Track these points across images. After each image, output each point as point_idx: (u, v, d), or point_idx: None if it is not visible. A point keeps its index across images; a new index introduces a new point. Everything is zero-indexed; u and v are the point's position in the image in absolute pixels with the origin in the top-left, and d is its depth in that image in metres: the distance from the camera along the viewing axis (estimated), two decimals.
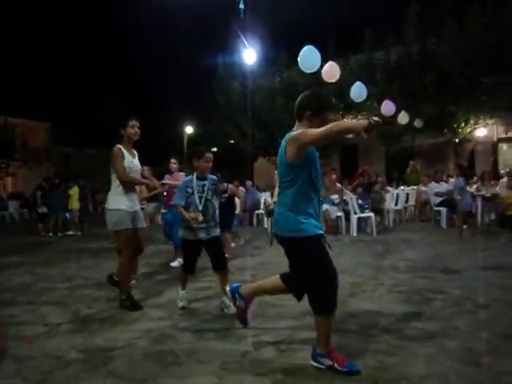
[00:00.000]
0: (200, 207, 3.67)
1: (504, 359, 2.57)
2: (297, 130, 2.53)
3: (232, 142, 15.60)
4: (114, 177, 3.95)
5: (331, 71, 6.37)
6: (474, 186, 10.18)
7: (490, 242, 7.17)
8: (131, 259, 4.04)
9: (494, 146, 14.84)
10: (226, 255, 4.32)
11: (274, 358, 2.67)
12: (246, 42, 7.03)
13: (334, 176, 11.58)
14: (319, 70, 6.65)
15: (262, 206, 10.69)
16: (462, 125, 12.13)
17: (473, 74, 10.94)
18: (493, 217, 9.48)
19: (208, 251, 3.74)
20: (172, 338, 3.07)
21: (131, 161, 3.99)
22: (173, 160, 6.06)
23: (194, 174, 3.80)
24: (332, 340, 2.87)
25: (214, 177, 3.89)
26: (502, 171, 12.72)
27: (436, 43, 11.95)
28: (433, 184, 10.01)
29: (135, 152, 4.17)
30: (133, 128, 3.98)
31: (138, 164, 4.15)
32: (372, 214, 8.89)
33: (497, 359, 2.57)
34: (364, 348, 2.79)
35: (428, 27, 12.20)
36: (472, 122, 12.10)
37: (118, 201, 3.91)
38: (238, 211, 7.55)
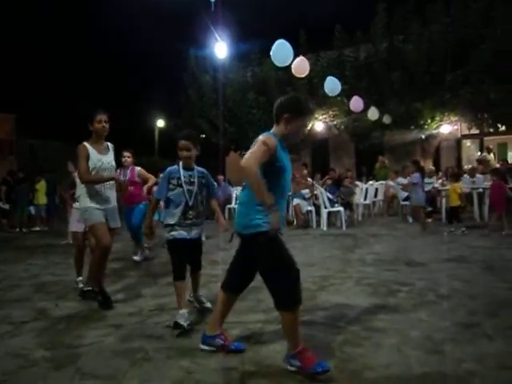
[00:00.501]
0: (190, 202, 3.30)
1: (464, 347, 2.70)
2: (273, 132, 2.58)
3: (203, 136, 15.53)
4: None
5: (301, 66, 6.44)
6: (439, 181, 10.56)
7: (452, 235, 7.45)
8: (102, 258, 3.77)
9: (458, 143, 15.41)
10: None
11: (244, 352, 2.71)
12: (217, 35, 7.00)
13: (305, 171, 11.75)
14: (291, 65, 6.72)
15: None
16: (428, 121, 12.51)
17: (437, 72, 11.30)
18: None
19: (191, 251, 3.39)
20: (141, 335, 3.06)
21: (99, 159, 3.74)
22: (126, 153, 5.63)
23: (180, 164, 3.38)
24: (299, 332, 2.93)
25: (203, 169, 3.51)
26: (465, 167, 13.21)
27: (402, 41, 12.26)
28: (400, 179, 10.29)
29: (109, 147, 3.92)
30: (100, 123, 3.74)
31: (111, 161, 3.88)
32: (342, 209, 9.07)
33: (457, 347, 2.70)
34: (331, 340, 2.86)
35: (395, 25, 12.50)
36: (437, 118, 12.50)
37: (84, 200, 3.75)
38: None
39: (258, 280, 2.65)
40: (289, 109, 2.55)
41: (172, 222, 3.26)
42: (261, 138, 2.47)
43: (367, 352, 2.66)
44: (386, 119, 11.85)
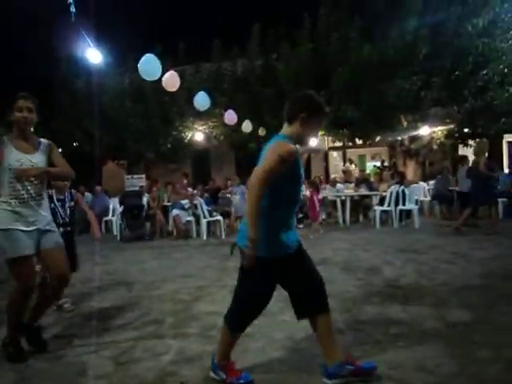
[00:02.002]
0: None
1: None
2: (286, 135, 2.39)
3: (76, 144, 14.56)
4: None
5: (171, 80, 6.50)
6: (308, 191, 11.51)
7: (319, 238, 8.12)
8: (24, 293, 2.88)
9: (325, 154, 16.99)
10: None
11: (112, 372, 2.66)
12: (89, 40, 6.68)
13: (185, 181, 11.81)
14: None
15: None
16: None
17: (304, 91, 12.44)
18: (323, 216, 10.83)
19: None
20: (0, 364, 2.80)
21: (17, 159, 2.88)
22: None
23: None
24: (171, 345, 3.00)
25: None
26: (332, 176, 14.59)
27: (276, 59, 13.16)
28: None
29: (42, 146, 3.06)
30: (20, 112, 2.91)
31: (38, 163, 2.96)
32: (221, 218, 9.30)
33: (312, 344, 3.01)
34: (202, 350, 2.97)
35: (269, 44, 13.37)
36: None
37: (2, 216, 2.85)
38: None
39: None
40: (305, 107, 2.36)
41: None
42: (274, 146, 2.28)
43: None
44: (261, 131, 12.53)
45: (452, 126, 12.39)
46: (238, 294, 2.53)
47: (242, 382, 2.47)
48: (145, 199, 10.23)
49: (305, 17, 12.86)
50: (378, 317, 3.54)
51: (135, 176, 13.52)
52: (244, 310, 2.51)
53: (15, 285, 2.87)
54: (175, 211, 9.37)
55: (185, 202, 9.60)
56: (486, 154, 7.94)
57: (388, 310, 3.68)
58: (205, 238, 8.99)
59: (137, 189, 11.20)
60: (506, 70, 11.09)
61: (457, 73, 11.45)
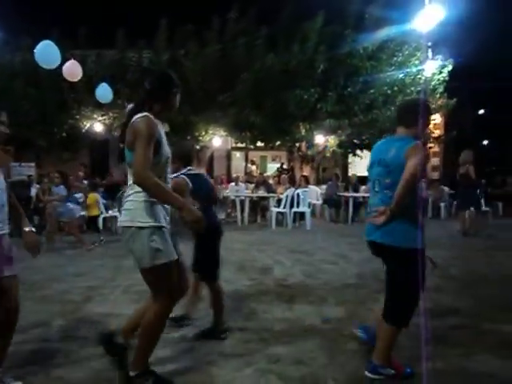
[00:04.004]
0: None
1: (208, 342, 3.20)
2: (410, 136, 2.61)
3: None
4: None
5: (72, 70, 6.18)
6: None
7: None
8: None
9: (228, 154, 17.35)
10: None
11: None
12: None
13: (81, 173, 11.18)
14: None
15: None
16: (203, 133, 13.72)
17: (210, 91, 12.63)
18: (223, 216, 11.10)
19: None
20: None
21: None
22: None
23: None
24: (58, 349, 2.95)
25: None
26: (234, 175, 14.98)
27: (184, 55, 13.08)
28: None
29: None
30: None
31: None
32: (118, 214, 9.03)
33: (204, 343, 3.19)
34: (92, 353, 2.95)
35: (177, 40, 13.25)
36: (210, 132, 13.84)
37: None
38: None
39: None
40: (418, 112, 2.62)
41: None
42: (416, 148, 2.49)
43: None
44: (166, 127, 12.40)
45: (343, 137, 13.55)
46: (396, 291, 2.63)
47: (408, 371, 2.68)
48: (33, 190, 9.49)
49: (214, 18, 13.00)
50: (265, 315, 3.83)
51: (23, 164, 12.46)
52: (408, 304, 2.60)
53: None
54: (69, 205, 8.84)
55: (79, 195, 9.12)
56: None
57: (275, 309, 4.01)
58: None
59: (25, 178, 10.35)
60: (389, 92, 12.49)
61: (349, 89, 12.58)
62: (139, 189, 2.26)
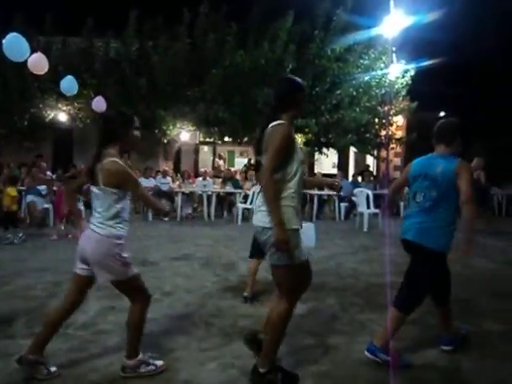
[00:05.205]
0: None
1: (173, 337, 3.31)
2: (454, 157, 2.87)
3: None
4: None
5: (38, 63, 6.05)
6: (177, 183, 11.70)
7: (184, 233, 8.42)
8: None
9: (196, 148, 17.30)
10: None
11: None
12: None
13: (43, 163, 10.90)
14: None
15: None
16: (170, 127, 13.64)
17: (178, 85, 12.59)
18: (189, 210, 11.13)
19: None
20: None
21: None
22: None
23: None
24: (23, 345, 2.98)
25: None
26: (201, 169, 14.96)
27: (153, 47, 12.94)
28: (142, 179, 10.83)
29: None
30: None
31: None
32: (82, 207, 8.88)
33: (168, 337, 3.29)
34: (57, 348, 2.99)
35: (146, 33, 13.10)
36: (178, 126, 13.78)
37: None
38: None
39: None
40: (457, 132, 2.97)
41: None
42: (466, 164, 2.82)
43: (93, 355, 2.93)
44: (136, 122, 12.28)
45: (310, 135, 13.82)
46: (415, 287, 2.91)
47: (404, 362, 2.88)
48: None
49: (184, 12, 12.91)
50: (229, 311, 3.97)
51: None
52: (419, 298, 2.91)
53: None
54: (30, 197, 8.67)
55: (42, 187, 8.94)
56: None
57: (239, 305, 4.15)
58: (62, 227, 8.51)
59: None
60: (354, 93, 12.85)
61: (317, 89, 12.83)
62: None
